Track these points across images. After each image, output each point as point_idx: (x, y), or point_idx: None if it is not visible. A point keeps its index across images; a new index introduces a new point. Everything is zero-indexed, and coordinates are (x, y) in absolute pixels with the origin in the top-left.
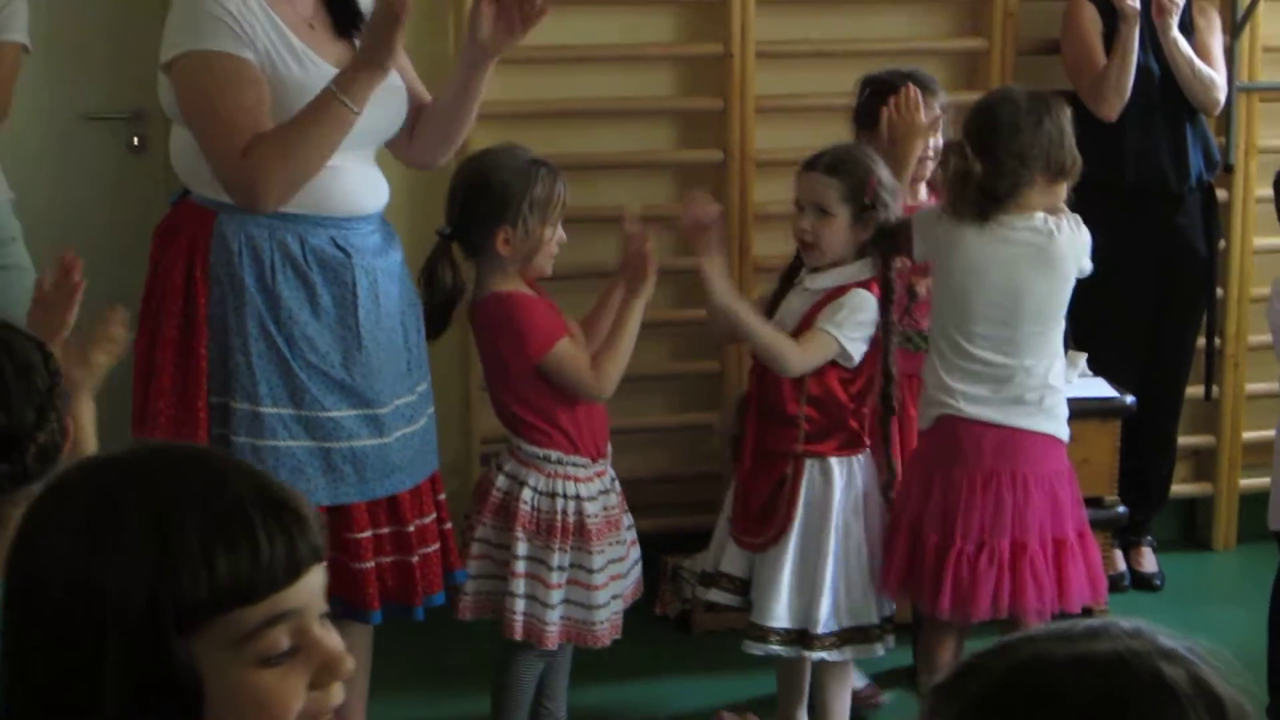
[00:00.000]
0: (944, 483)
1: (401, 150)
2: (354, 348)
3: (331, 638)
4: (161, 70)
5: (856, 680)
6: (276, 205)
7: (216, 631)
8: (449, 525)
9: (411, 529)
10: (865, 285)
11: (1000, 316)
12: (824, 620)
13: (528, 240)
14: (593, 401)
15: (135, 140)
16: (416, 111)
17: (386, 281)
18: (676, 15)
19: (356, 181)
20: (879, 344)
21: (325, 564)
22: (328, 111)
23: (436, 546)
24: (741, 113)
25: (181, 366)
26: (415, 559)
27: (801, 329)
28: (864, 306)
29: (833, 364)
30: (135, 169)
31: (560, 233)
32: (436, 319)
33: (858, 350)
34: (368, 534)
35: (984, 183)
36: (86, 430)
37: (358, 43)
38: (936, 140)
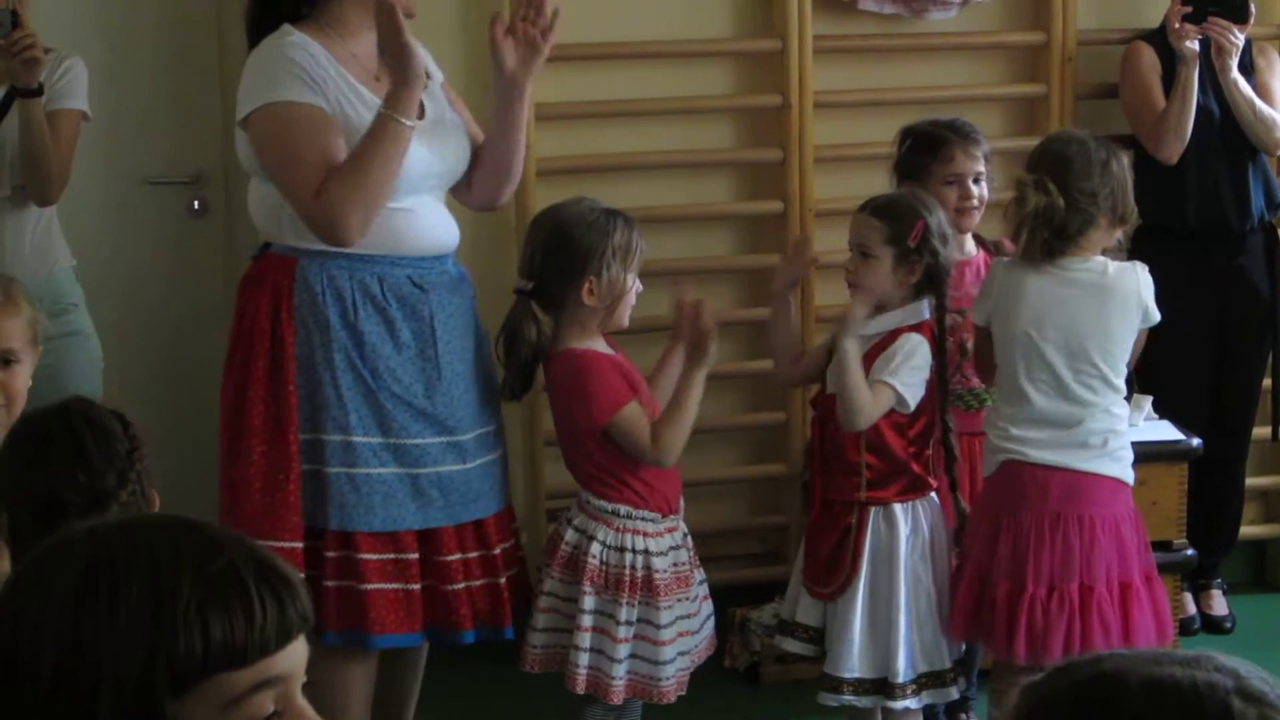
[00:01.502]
0: (1012, 528)
1: (464, 194)
2: (434, 378)
3: (310, 710)
4: (239, 126)
5: None
6: (360, 234)
7: (204, 694)
8: (524, 553)
9: (498, 551)
10: (918, 329)
11: (1065, 360)
12: (903, 669)
13: (612, 289)
14: (653, 467)
15: (195, 204)
16: (475, 152)
17: (462, 316)
18: (735, 67)
19: (428, 222)
20: (934, 388)
21: (306, 636)
22: (384, 131)
23: (516, 570)
24: (801, 163)
25: (272, 404)
26: (503, 580)
27: None
28: (916, 351)
29: (889, 410)
30: (196, 232)
31: (638, 283)
32: (521, 377)
33: (914, 396)
34: (456, 557)
35: (1059, 220)
36: None
37: (423, 96)
38: (981, 190)
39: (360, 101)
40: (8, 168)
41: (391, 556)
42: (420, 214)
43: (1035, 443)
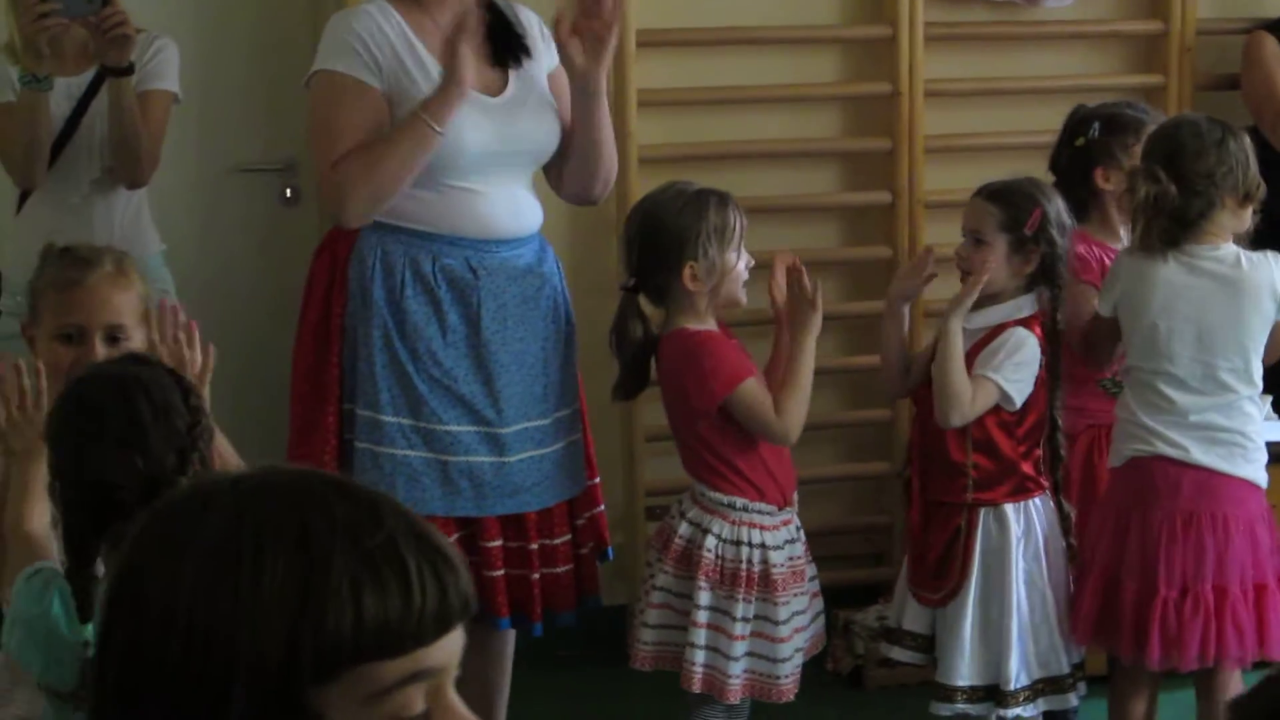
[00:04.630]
0: (1141, 526)
1: (556, 187)
2: (478, 366)
3: (463, 708)
4: (306, 87)
5: None
6: (360, 217)
7: (350, 683)
8: (586, 550)
9: (534, 547)
10: (1026, 323)
11: (1195, 353)
12: (1015, 676)
13: (714, 270)
14: (779, 444)
15: (288, 192)
16: (566, 140)
17: (521, 305)
18: (843, 54)
19: (494, 205)
20: (1044, 384)
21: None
22: (411, 130)
23: (568, 568)
24: (911, 153)
25: (314, 373)
26: (535, 576)
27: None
28: (1022, 346)
29: (995, 408)
30: (287, 220)
31: (747, 257)
32: (634, 376)
33: (1020, 392)
34: (497, 543)
35: (1176, 206)
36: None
37: (512, 74)
38: None
39: (423, 74)
40: (98, 149)
41: None
42: (486, 196)
43: (1165, 437)
